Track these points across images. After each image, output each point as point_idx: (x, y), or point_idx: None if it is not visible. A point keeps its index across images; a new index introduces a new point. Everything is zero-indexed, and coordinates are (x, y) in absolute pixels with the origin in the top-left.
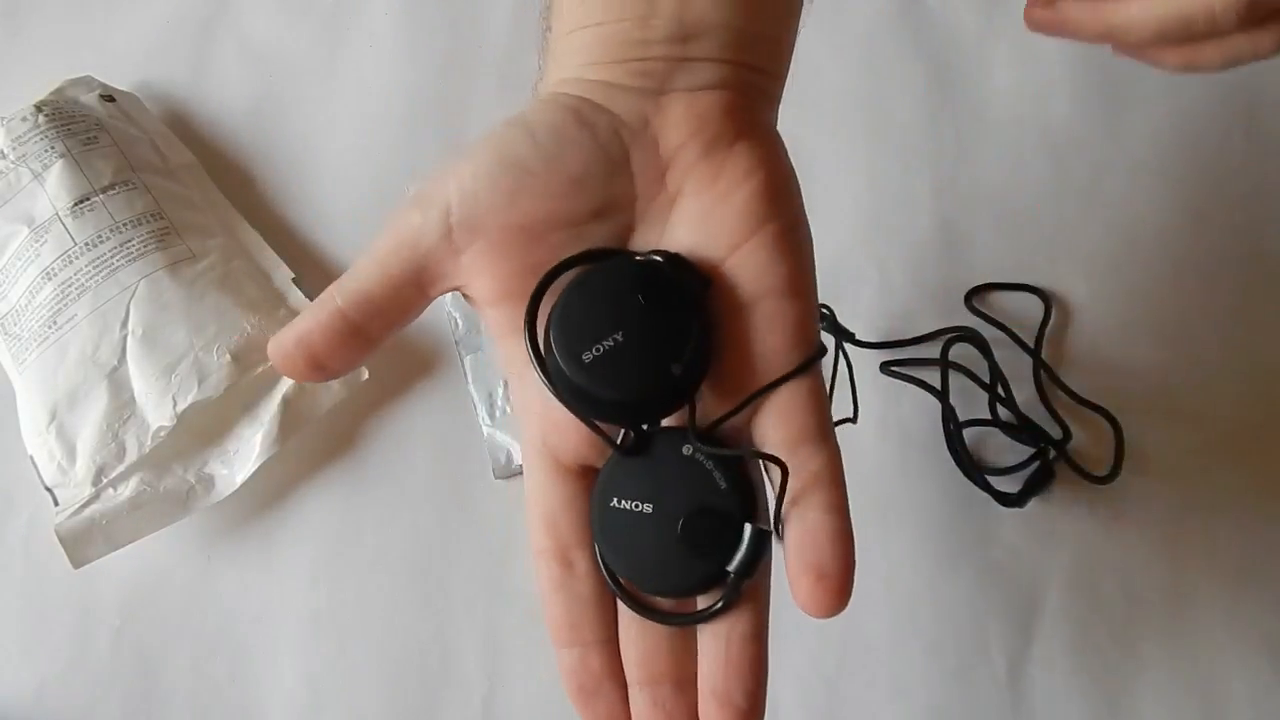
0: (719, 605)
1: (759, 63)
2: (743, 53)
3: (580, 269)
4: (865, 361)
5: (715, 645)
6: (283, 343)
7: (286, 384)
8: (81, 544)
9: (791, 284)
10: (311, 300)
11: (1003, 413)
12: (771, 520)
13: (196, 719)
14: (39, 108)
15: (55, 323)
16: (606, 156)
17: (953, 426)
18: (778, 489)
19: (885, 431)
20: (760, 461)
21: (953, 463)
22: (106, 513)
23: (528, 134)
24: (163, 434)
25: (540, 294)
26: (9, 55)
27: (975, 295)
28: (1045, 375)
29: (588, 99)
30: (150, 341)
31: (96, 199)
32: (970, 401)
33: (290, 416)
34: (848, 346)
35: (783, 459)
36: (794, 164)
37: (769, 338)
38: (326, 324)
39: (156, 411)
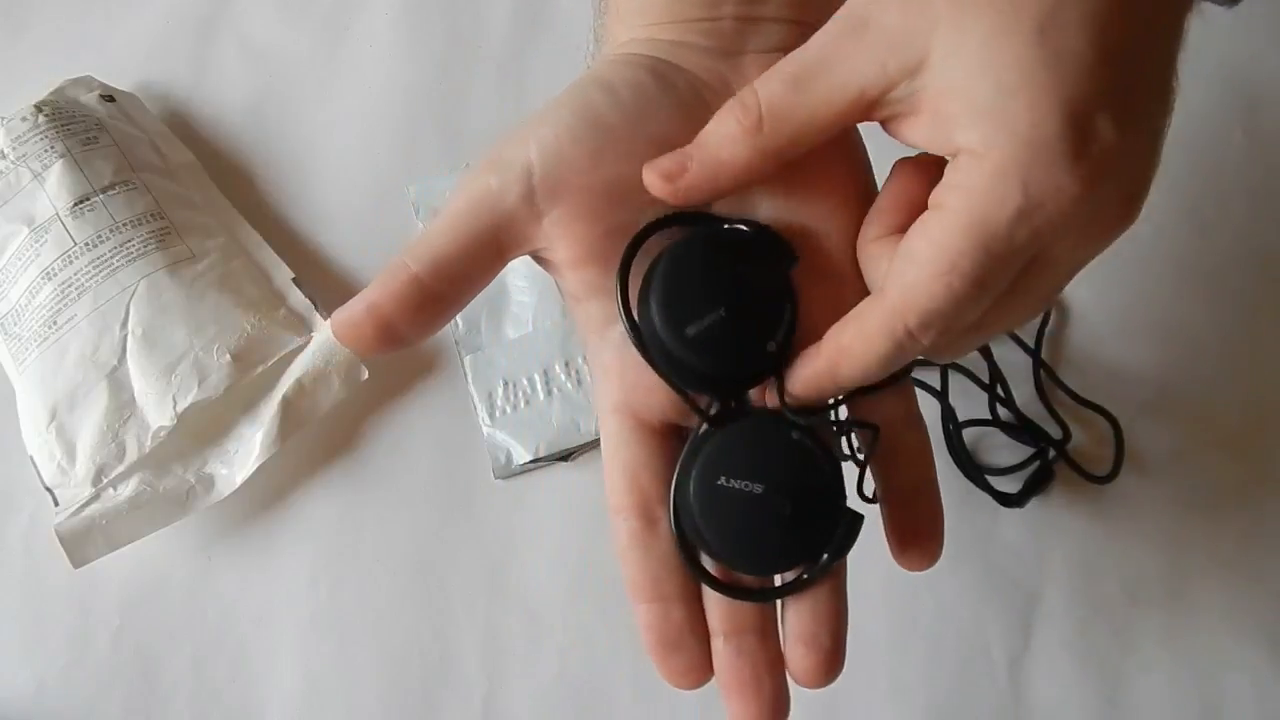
0: (805, 578)
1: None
2: (810, 12)
3: (672, 236)
4: None
5: (799, 601)
6: (352, 312)
7: (286, 384)
8: (81, 544)
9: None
10: (312, 301)
11: (1003, 413)
12: (858, 487)
13: (196, 719)
14: (39, 108)
15: (55, 323)
16: (689, 116)
17: (952, 427)
18: (865, 452)
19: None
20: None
21: (952, 463)
22: (106, 513)
23: (609, 92)
24: (163, 434)
25: (631, 258)
26: (9, 55)
27: None
28: (1045, 375)
29: (663, 59)
30: (150, 341)
31: (96, 199)
32: (970, 401)
33: (290, 416)
34: None
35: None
36: None
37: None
38: (399, 290)
39: (156, 411)
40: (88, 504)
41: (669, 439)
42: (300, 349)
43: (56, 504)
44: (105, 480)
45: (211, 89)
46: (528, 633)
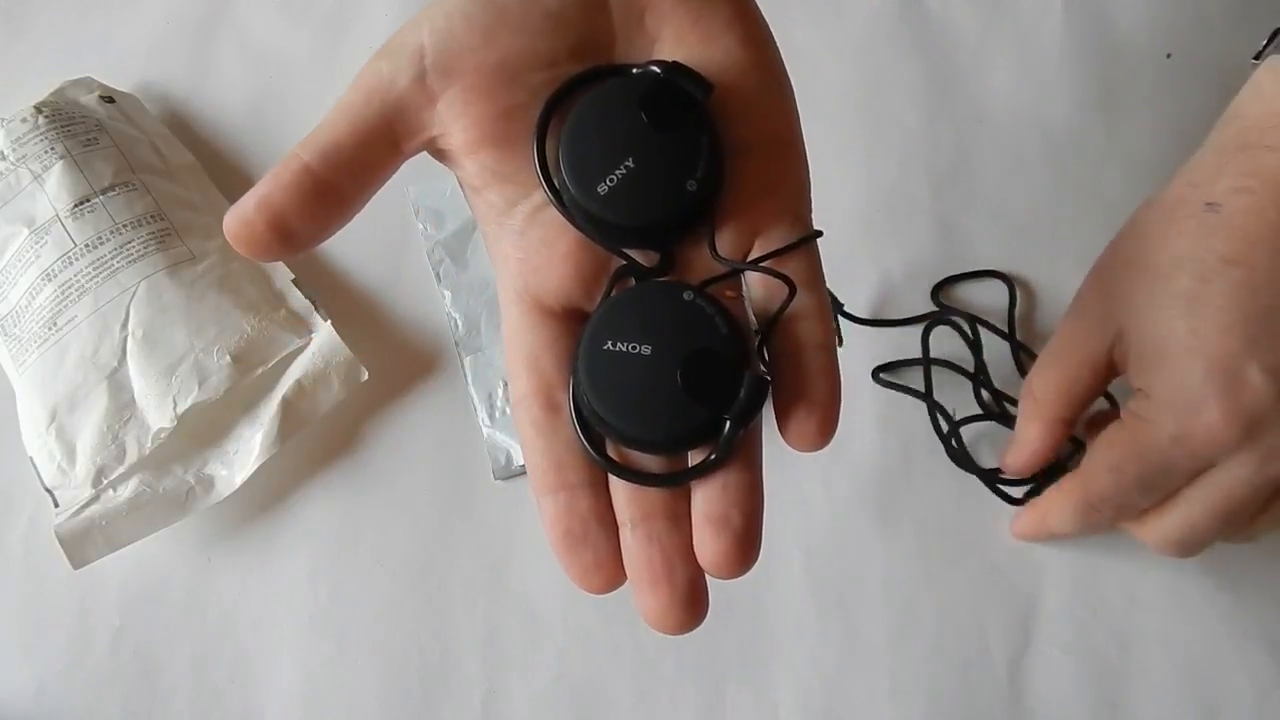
0: (713, 458)
1: None
2: None
3: (578, 95)
4: (860, 365)
5: (710, 485)
6: (242, 209)
7: (286, 385)
8: (81, 545)
9: (789, 131)
10: (312, 302)
11: (989, 400)
12: (762, 345)
13: (196, 719)
14: (39, 109)
15: (55, 324)
16: None
17: (946, 429)
18: (776, 310)
19: (885, 431)
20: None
21: (954, 465)
22: (106, 514)
23: None
24: (163, 435)
25: (547, 120)
26: (9, 56)
27: (941, 290)
28: (1025, 358)
29: None
30: (150, 343)
31: (96, 200)
32: (967, 398)
33: (290, 417)
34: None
35: (785, 283)
36: None
37: (772, 182)
38: (291, 182)
39: (157, 413)
40: (87, 505)
41: (572, 322)
42: (300, 350)
43: (56, 505)
44: (105, 481)
45: (211, 89)
46: (528, 633)
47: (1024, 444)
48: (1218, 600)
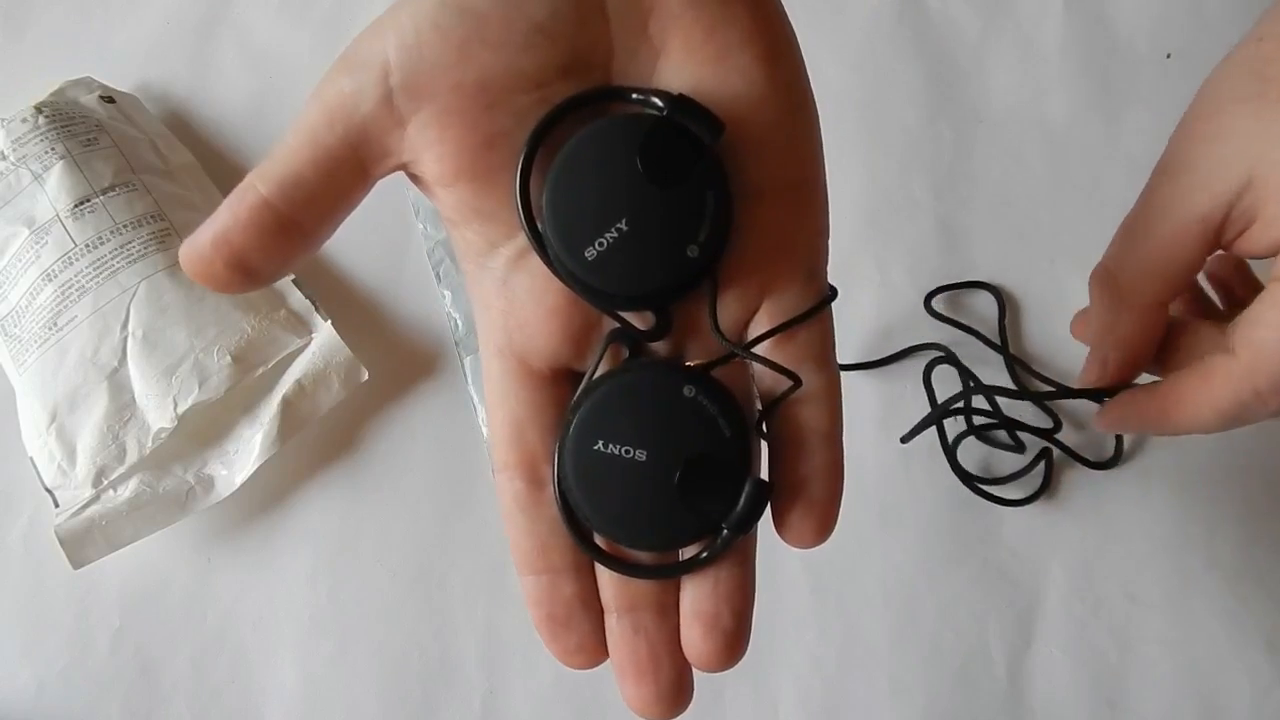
0: (704, 556)
1: None
2: None
3: (565, 135)
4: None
5: (701, 580)
6: (197, 245)
7: (286, 385)
8: (81, 545)
9: (810, 171)
10: (312, 302)
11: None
12: (764, 431)
13: (196, 719)
14: (39, 109)
15: (55, 324)
16: None
17: (948, 446)
18: (777, 398)
19: (886, 433)
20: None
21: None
22: (106, 514)
23: None
24: (163, 435)
25: (532, 156)
26: (9, 56)
27: (933, 299)
28: (1020, 369)
29: None
30: (150, 343)
31: (97, 200)
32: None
33: (290, 417)
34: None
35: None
36: None
37: (787, 233)
38: (249, 218)
39: (157, 413)
40: (87, 505)
41: (560, 386)
42: (300, 350)
43: (56, 505)
44: (105, 481)
45: (211, 89)
46: (528, 633)
47: (1116, 341)
48: (1218, 600)
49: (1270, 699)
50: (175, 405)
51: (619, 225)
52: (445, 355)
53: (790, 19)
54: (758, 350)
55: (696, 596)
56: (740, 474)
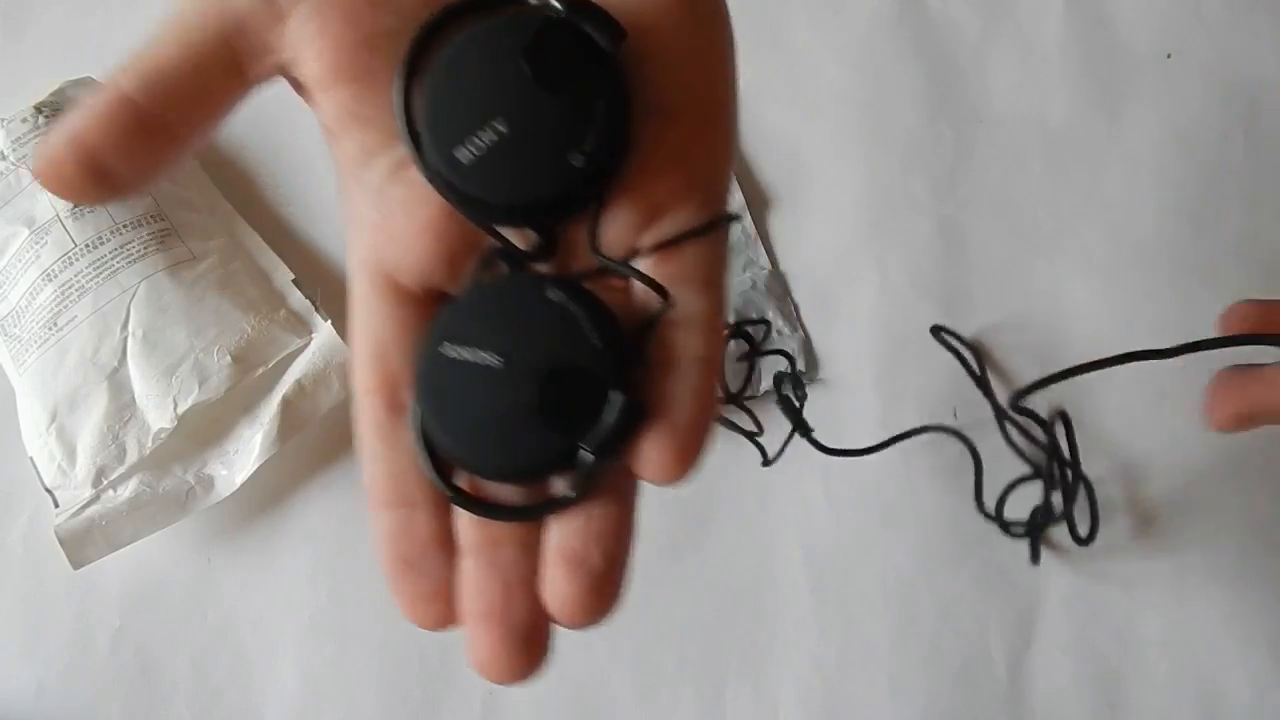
0: (573, 495)
1: None
2: None
3: (456, 32)
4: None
5: (570, 517)
6: (49, 146)
7: (286, 385)
8: (81, 545)
9: (721, 91)
10: (312, 302)
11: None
12: (630, 352)
13: (196, 719)
14: (39, 109)
15: (55, 324)
16: None
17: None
18: (648, 319)
19: (886, 430)
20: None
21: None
22: (106, 514)
23: None
24: (163, 435)
25: (414, 60)
26: (9, 56)
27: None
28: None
29: None
30: (150, 343)
31: None
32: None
33: (290, 417)
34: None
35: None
36: (794, 162)
37: (690, 153)
38: (108, 115)
39: (157, 413)
40: (87, 505)
41: (431, 307)
42: (300, 350)
43: (56, 505)
44: (105, 481)
45: None
46: None
47: None
48: (1218, 600)
49: (1270, 700)
50: (175, 405)
51: (496, 126)
52: None
53: (792, 20)
54: (639, 269)
55: (563, 533)
56: (604, 387)
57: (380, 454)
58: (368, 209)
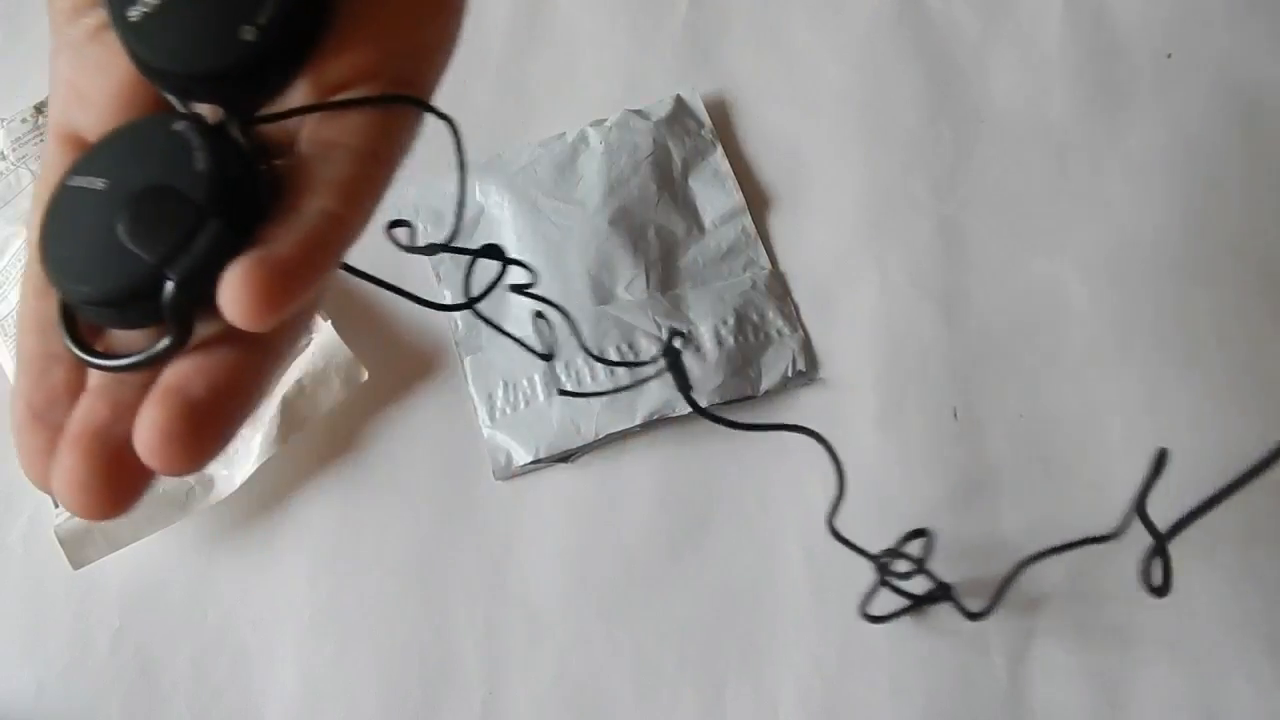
0: (168, 342)
1: None
2: None
3: None
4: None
5: (186, 356)
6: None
7: (287, 384)
8: (81, 545)
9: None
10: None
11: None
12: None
13: (196, 719)
14: (39, 109)
15: None
16: None
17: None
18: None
19: (885, 431)
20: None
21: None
22: None
23: None
24: None
25: None
26: (9, 56)
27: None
28: None
29: None
30: None
31: None
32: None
33: (290, 417)
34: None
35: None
36: (794, 162)
37: (394, 33)
38: None
39: None
40: None
41: None
42: (300, 350)
43: (56, 505)
44: None
45: None
46: (528, 633)
47: None
48: (1218, 600)
49: (1270, 700)
50: None
51: None
52: (445, 355)
53: (792, 20)
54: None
55: (171, 371)
56: (200, 212)
57: (32, 305)
58: (65, 66)
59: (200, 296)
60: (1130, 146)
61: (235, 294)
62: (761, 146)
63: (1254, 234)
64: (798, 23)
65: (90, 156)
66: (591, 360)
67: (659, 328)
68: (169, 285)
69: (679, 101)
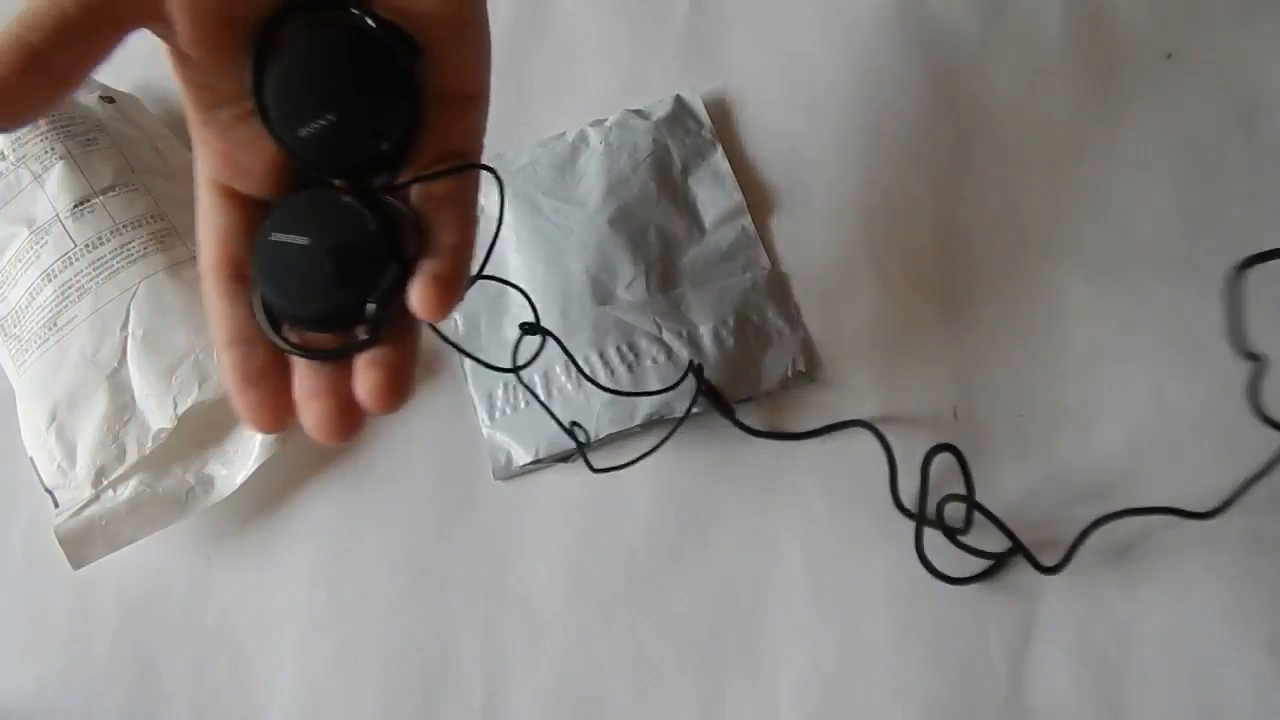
0: (368, 337)
1: None
2: None
3: (293, 31)
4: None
5: (369, 352)
6: None
7: None
8: (81, 545)
9: (481, 85)
10: None
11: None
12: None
13: (196, 719)
14: None
15: (55, 324)
16: None
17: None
18: (402, 219)
19: (885, 430)
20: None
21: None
22: (106, 514)
23: None
24: (163, 436)
25: (262, 49)
26: None
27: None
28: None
29: None
30: (150, 343)
31: (96, 200)
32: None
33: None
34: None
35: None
36: (794, 162)
37: (456, 129)
38: (6, 53)
39: (157, 413)
40: (87, 505)
41: (256, 210)
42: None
43: (56, 505)
44: (105, 482)
45: None
46: (528, 633)
47: None
48: (1218, 600)
49: (1270, 700)
50: (175, 405)
51: (328, 116)
52: (445, 355)
53: (791, 20)
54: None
55: (369, 355)
56: (383, 258)
57: (226, 310)
58: (216, 140)
59: (389, 314)
60: (1130, 146)
61: (424, 301)
62: (761, 146)
63: (1254, 233)
64: (798, 23)
65: (283, 218)
66: (595, 364)
67: (659, 328)
68: (370, 307)
69: (679, 101)
